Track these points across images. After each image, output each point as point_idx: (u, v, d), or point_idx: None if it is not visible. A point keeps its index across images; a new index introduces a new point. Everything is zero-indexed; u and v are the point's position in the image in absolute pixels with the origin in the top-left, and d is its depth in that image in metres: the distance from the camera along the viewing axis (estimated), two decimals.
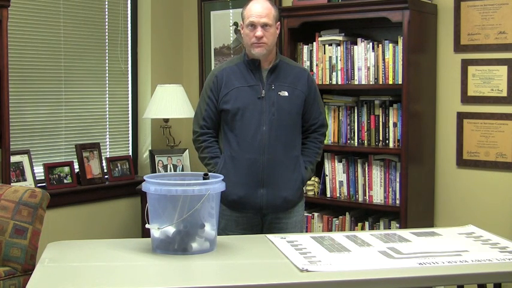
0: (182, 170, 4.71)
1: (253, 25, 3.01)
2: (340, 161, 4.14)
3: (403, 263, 2.31)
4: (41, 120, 4.35)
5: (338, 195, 4.14)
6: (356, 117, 4.09)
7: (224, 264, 2.36)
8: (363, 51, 4.01)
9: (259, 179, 3.03)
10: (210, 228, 2.48)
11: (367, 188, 4.04)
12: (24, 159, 4.14)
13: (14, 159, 4.00)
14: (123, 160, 4.76)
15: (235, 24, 4.87)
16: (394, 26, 3.89)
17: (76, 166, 4.48)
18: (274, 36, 3.06)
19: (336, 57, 4.10)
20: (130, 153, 4.92)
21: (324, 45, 4.14)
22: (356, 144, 4.09)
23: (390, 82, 3.92)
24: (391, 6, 3.79)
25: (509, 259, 2.36)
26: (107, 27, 4.73)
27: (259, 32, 2.99)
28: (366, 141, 4.06)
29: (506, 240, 2.63)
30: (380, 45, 3.96)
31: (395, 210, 3.89)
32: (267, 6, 3.03)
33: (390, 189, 3.95)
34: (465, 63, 3.95)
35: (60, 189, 4.31)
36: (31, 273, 2.25)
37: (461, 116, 3.98)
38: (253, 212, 3.07)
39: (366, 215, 4.15)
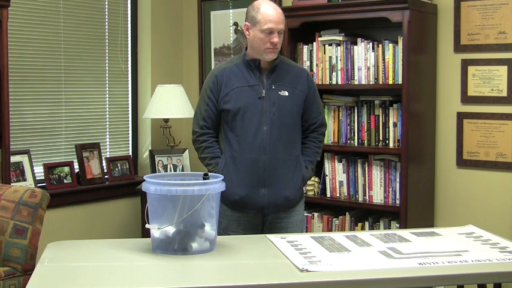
0: (182, 170, 4.71)
1: (270, 31, 3.00)
2: (340, 161, 4.14)
3: (403, 263, 2.31)
4: (41, 120, 4.35)
5: (338, 195, 4.14)
6: (356, 117, 4.09)
7: (224, 264, 2.36)
8: (363, 51, 4.01)
9: (261, 179, 3.03)
10: (210, 228, 2.48)
11: (367, 188, 4.04)
12: (24, 159, 4.14)
13: (14, 159, 4.00)
14: (123, 160, 4.76)
15: (235, 24, 4.86)
16: (394, 26, 3.89)
17: (76, 166, 4.48)
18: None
19: (336, 57, 4.10)
20: (130, 153, 4.92)
21: (324, 45, 4.14)
22: (356, 144, 4.09)
23: (390, 82, 3.92)
24: (391, 6, 3.79)
25: (509, 259, 2.36)
26: (107, 27, 4.73)
27: (276, 38, 2.99)
28: (366, 141, 4.06)
29: (506, 240, 2.63)
30: (380, 45, 3.96)
31: (395, 210, 3.89)
32: (280, 12, 3.03)
33: (390, 189, 3.94)
34: (465, 63, 3.95)
35: (60, 189, 4.31)
36: (31, 273, 2.25)
37: (461, 116, 3.98)
38: (255, 211, 3.07)
39: (366, 215, 4.15)
